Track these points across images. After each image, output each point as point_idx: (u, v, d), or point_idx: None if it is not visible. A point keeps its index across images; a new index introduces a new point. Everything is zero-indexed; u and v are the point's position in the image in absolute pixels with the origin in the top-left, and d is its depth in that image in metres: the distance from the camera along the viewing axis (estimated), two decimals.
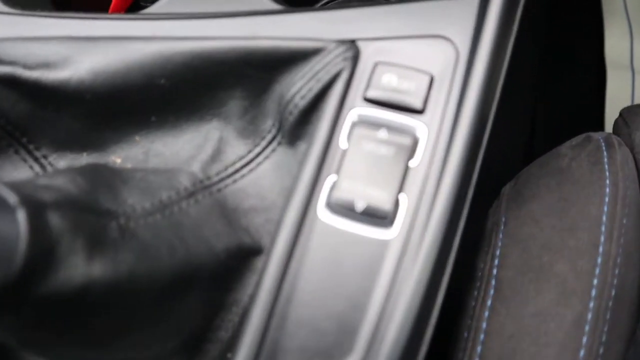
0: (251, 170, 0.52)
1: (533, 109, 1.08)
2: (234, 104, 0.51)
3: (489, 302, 0.53)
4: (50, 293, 0.34)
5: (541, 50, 1.06)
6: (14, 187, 0.35)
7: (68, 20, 0.52)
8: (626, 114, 0.65)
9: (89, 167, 0.47)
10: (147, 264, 0.41)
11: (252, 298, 0.43)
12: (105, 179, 0.46)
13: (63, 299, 0.35)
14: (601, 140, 0.59)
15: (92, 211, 0.40)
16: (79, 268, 0.36)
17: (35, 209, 0.34)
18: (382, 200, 0.43)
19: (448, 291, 0.47)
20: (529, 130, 1.06)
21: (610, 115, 1.12)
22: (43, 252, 0.34)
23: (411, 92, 0.45)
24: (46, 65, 0.49)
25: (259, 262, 0.48)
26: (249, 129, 0.52)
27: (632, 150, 0.59)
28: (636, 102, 1.09)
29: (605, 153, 0.58)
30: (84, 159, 0.53)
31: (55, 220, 0.35)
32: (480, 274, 0.56)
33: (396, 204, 0.43)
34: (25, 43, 0.51)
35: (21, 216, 0.33)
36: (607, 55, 1.17)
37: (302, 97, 0.47)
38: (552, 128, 1.09)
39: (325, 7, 0.56)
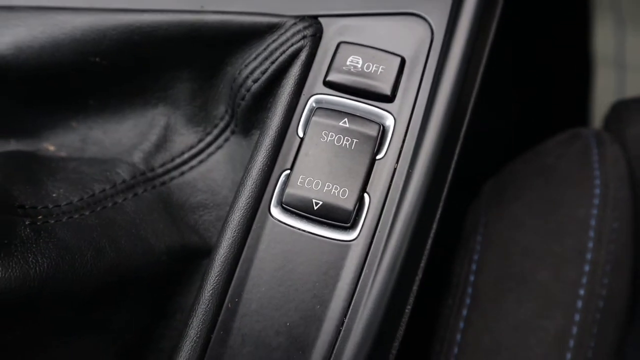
0: (201, 161, 0.46)
1: (517, 100, 1.03)
2: (182, 87, 0.46)
3: (464, 312, 0.48)
4: None
5: (526, 40, 1.02)
6: None
7: None
8: (618, 108, 0.60)
9: (7, 155, 0.41)
10: (67, 267, 0.36)
11: (190, 310, 0.37)
12: (26, 169, 0.40)
13: None
14: (591, 137, 0.54)
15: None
16: None
17: None
18: (342, 198, 0.37)
19: (421, 297, 0.42)
20: (512, 123, 1.01)
21: (598, 110, 1.09)
22: None
23: (379, 76, 0.40)
24: None
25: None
26: (200, 115, 0.46)
27: (624, 147, 0.54)
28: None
29: (595, 150, 0.53)
30: (11, 145, 0.47)
31: None
32: (456, 280, 0.51)
33: (359, 202, 0.38)
34: None
35: None
36: (597, 50, 1.13)
37: (255, 81, 0.41)
38: (537, 122, 1.05)
39: None
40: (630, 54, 1.20)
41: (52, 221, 0.37)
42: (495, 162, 0.64)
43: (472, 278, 0.50)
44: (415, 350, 0.49)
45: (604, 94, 1.15)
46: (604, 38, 1.17)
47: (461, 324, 0.48)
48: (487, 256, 0.51)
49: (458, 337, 0.48)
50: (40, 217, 0.36)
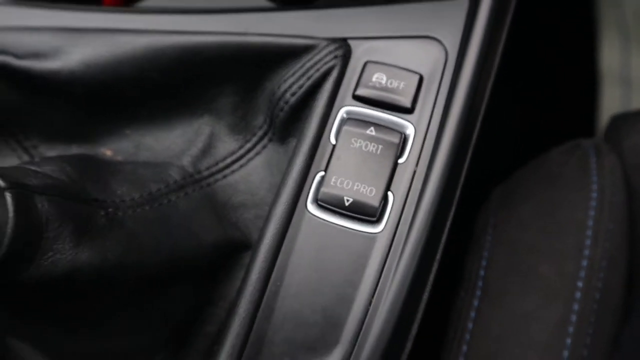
0: (242, 166, 0.52)
1: (526, 112, 1.08)
2: (225, 100, 0.52)
3: (475, 303, 0.54)
4: (35, 277, 0.35)
5: (534, 56, 1.07)
6: (3, 171, 0.35)
7: (59, 11, 0.53)
8: (616, 121, 0.65)
9: (78, 157, 0.47)
10: (135, 253, 0.42)
11: (239, 292, 0.43)
12: (94, 169, 0.46)
13: (49, 285, 0.36)
14: (590, 147, 0.60)
15: (80, 199, 0.40)
16: (66, 253, 0.36)
17: (24, 193, 0.34)
18: (370, 196, 0.43)
19: (437, 290, 0.47)
20: (521, 133, 1.06)
21: (605, 124, 1.14)
22: (30, 235, 0.34)
23: (400, 91, 0.46)
24: (36, 55, 0.50)
25: (247, 257, 0.48)
26: (241, 124, 0.52)
27: (621, 156, 0.60)
28: None
29: (593, 159, 0.58)
30: (73, 150, 0.53)
31: (43, 205, 0.35)
32: (467, 274, 0.57)
33: (384, 200, 0.43)
34: (16, 33, 0.51)
35: (9, 199, 0.33)
36: (603, 67, 1.19)
37: (293, 94, 0.47)
38: (546, 133, 1.10)
39: (317, 5, 0.56)
40: (636, 71, 1.26)
41: (120, 213, 0.43)
42: (505, 169, 0.70)
43: (482, 273, 0.55)
44: (432, 336, 0.55)
45: (611, 109, 1.21)
46: (610, 56, 1.22)
47: (472, 314, 0.53)
48: (496, 253, 0.56)
49: (470, 325, 0.53)
50: (110, 209, 0.42)
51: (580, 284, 0.51)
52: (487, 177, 0.68)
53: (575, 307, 0.50)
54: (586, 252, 0.52)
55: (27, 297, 0.36)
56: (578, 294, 0.51)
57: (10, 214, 0.33)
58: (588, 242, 0.53)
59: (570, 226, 0.54)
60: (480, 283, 0.55)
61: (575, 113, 1.15)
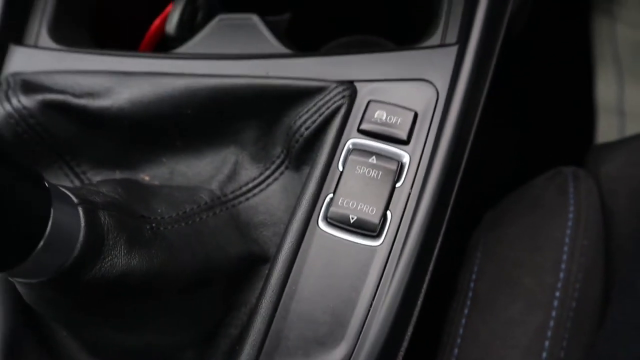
0: (262, 190, 0.59)
1: (519, 143, 1.15)
2: (249, 133, 0.59)
3: (465, 311, 0.61)
4: (97, 277, 0.42)
5: (530, 88, 1.14)
6: (74, 191, 0.43)
7: (109, 57, 0.61)
8: (596, 150, 0.73)
9: (125, 181, 0.54)
10: (175, 261, 0.48)
11: (260, 295, 0.51)
12: (138, 191, 0.54)
13: (107, 284, 0.43)
14: (569, 173, 0.68)
15: (130, 214, 0.47)
16: (121, 258, 0.44)
17: (91, 207, 0.42)
18: (371, 214, 0.51)
19: (432, 302, 0.54)
20: (519, 165, 1.13)
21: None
22: (95, 242, 0.42)
23: (398, 125, 0.53)
24: (91, 94, 0.58)
25: (265, 269, 0.55)
26: (261, 154, 0.59)
27: (597, 182, 0.68)
28: None
29: (571, 184, 0.66)
30: (117, 175, 0.61)
31: (105, 218, 0.43)
32: (459, 287, 0.64)
33: (383, 218, 0.51)
34: (74, 75, 0.59)
35: (81, 212, 0.41)
36: (598, 98, 1.26)
37: (307, 128, 0.55)
38: (543, 164, 1.16)
39: (327, 52, 0.64)
40: (630, 102, 1.32)
41: (162, 228, 0.50)
42: (497, 195, 0.77)
43: (472, 285, 0.63)
44: (427, 342, 0.62)
45: (606, 139, 1.27)
46: (605, 88, 1.29)
47: (463, 321, 0.60)
48: (485, 268, 0.63)
49: (460, 330, 0.60)
50: (154, 224, 0.50)
51: (558, 294, 0.58)
52: (482, 204, 0.75)
53: (554, 314, 0.57)
54: (563, 265, 0.59)
55: (88, 295, 0.43)
56: (556, 303, 0.58)
57: (82, 224, 0.41)
58: (565, 257, 0.60)
59: (549, 244, 0.62)
60: (470, 294, 0.62)
61: (573, 144, 1.21)
